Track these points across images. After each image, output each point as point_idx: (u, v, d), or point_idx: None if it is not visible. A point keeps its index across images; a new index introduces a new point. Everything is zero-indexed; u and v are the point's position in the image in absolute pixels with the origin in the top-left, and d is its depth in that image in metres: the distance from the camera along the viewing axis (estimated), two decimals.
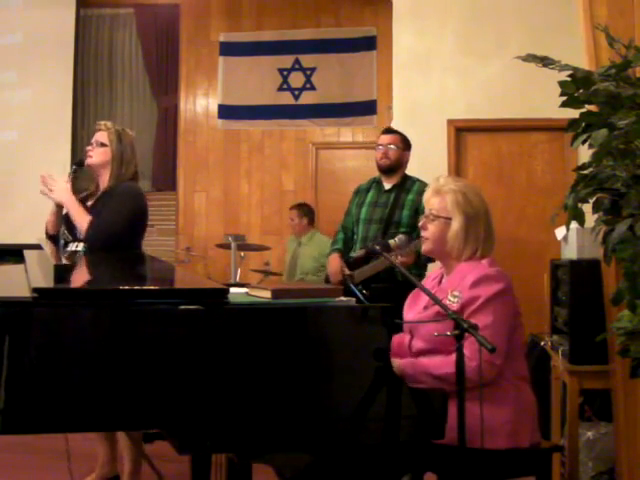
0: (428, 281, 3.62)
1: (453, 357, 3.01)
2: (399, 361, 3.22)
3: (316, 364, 2.62)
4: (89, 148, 4.72)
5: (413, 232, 5.21)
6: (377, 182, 5.69)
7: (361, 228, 5.56)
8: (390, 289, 4.92)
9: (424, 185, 5.45)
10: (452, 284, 3.36)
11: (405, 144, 5.66)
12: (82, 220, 4.50)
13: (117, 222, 4.45)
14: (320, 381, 2.62)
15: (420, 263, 5.11)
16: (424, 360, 3.24)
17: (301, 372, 2.59)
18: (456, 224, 3.38)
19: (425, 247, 3.50)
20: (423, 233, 3.48)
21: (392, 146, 5.58)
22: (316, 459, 2.95)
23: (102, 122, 4.75)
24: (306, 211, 8.86)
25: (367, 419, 2.64)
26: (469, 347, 2.96)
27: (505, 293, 3.27)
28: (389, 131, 5.83)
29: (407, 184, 5.56)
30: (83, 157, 4.81)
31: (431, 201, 3.47)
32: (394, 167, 5.59)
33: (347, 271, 5.41)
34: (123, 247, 4.45)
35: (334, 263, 5.59)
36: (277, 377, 2.57)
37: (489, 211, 3.47)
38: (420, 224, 3.50)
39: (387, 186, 5.60)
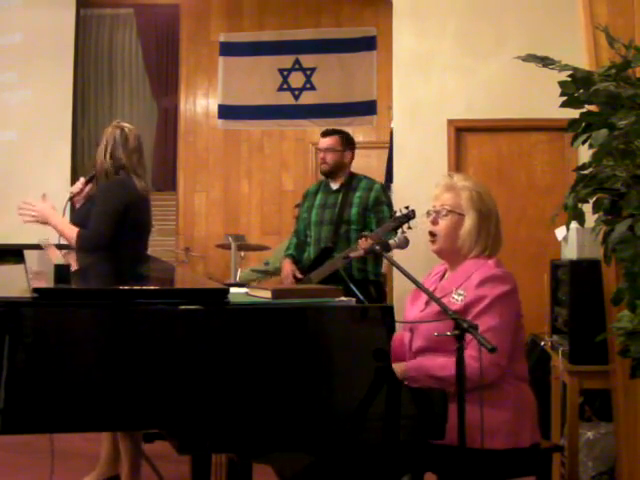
0: (430, 277, 3.60)
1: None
2: (403, 365, 3.22)
3: (316, 364, 2.62)
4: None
5: (364, 229, 5.26)
6: (324, 184, 5.72)
7: (313, 230, 5.60)
8: (347, 288, 4.94)
9: (371, 182, 5.57)
10: (456, 282, 3.35)
11: (345, 144, 5.67)
12: (70, 233, 4.49)
13: (101, 228, 4.41)
14: (320, 381, 2.62)
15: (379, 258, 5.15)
16: (427, 362, 3.23)
17: (301, 372, 2.59)
18: (469, 221, 3.37)
19: (436, 246, 3.46)
20: (432, 228, 3.44)
21: (329, 150, 5.59)
22: (316, 459, 2.95)
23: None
24: None
25: (367, 419, 2.64)
26: (473, 348, 2.95)
27: (511, 295, 3.27)
28: (327, 133, 5.81)
29: (354, 182, 5.60)
30: None
31: (443, 197, 3.44)
32: (334, 170, 5.62)
33: (298, 275, 5.47)
34: (119, 246, 4.42)
35: (286, 268, 5.69)
36: (277, 377, 2.57)
37: (498, 211, 3.47)
38: (430, 219, 3.48)
39: (334, 186, 5.64)
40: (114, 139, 4.58)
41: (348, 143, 5.70)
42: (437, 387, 2.97)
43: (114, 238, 4.40)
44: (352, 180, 5.61)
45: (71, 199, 4.81)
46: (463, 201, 3.39)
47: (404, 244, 4.79)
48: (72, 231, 4.49)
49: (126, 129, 4.64)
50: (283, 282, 5.68)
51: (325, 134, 5.78)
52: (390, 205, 5.50)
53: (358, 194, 5.50)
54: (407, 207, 5.00)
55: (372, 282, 5.49)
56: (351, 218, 5.45)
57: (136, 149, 4.65)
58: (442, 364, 3.16)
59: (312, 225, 5.62)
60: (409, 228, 4.95)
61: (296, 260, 5.68)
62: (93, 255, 4.34)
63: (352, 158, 5.72)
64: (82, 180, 4.88)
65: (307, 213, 5.72)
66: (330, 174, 5.64)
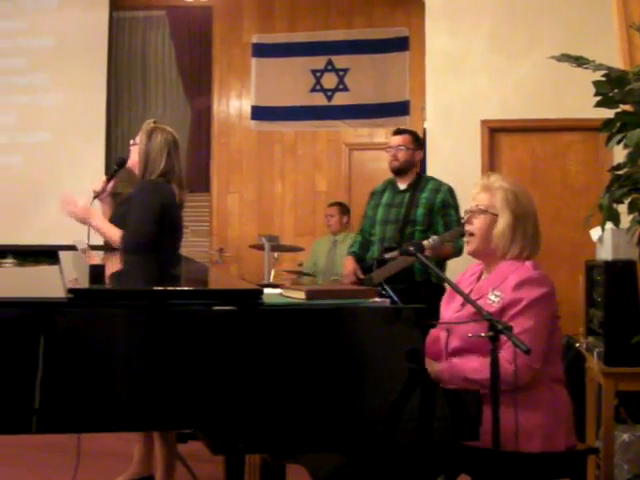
0: (466, 276, 3.57)
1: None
2: (437, 366, 3.21)
3: (350, 365, 2.61)
4: (131, 149, 4.74)
5: (429, 230, 5.25)
6: (392, 183, 5.74)
7: (378, 229, 5.60)
8: (408, 289, 4.90)
9: (438, 184, 5.56)
10: (493, 283, 3.32)
11: (416, 144, 5.69)
12: (113, 234, 4.52)
13: (143, 228, 4.43)
14: (353, 382, 2.61)
15: (451, 257, 5.14)
16: (461, 364, 3.22)
17: (335, 373, 2.59)
18: (503, 222, 3.35)
19: (470, 247, 3.44)
20: (468, 227, 3.44)
21: (402, 147, 5.61)
22: (350, 460, 2.95)
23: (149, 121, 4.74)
24: (345, 209, 8.89)
25: (401, 420, 2.63)
26: (508, 350, 2.94)
27: (548, 297, 3.24)
28: (398, 132, 5.86)
29: (421, 183, 5.60)
30: (126, 156, 4.81)
31: (479, 197, 3.44)
32: (404, 168, 5.63)
33: (360, 274, 5.46)
34: (156, 247, 4.44)
35: (348, 265, 5.68)
36: (311, 378, 2.57)
37: (537, 212, 3.44)
38: (465, 219, 3.48)
39: (402, 186, 5.64)
40: (169, 144, 4.59)
41: (419, 143, 5.73)
42: (471, 388, 2.97)
43: (155, 238, 4.43)
44: (420, 181, 5.62)
45: (96, 197, 4.83)
46: (498, 201, 3.37)
47: (438, 246, 4.78)
48: (115, 233, 4.51)
49: (176, 136, 4.66)
50: (345, 280, 5.67)
51: (396, 133, 5.82)
52: (457, 208, 5.47)
53: (425, 195, 5.50)
54: None
55: (434, 285, 5.42)
56: (417, 219, 5.45)
57: (180, 158, 4.68)
58: (476, 367, 3.15)
59: (377, 224, 5.63)
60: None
61: (359, 258, 5.68)
62: (132, 256, 4.36)
63: (421, 159, 5.74)
64: (104, 178, 4.92)
65: (373, 211, 5.73)
66: (400, 172, 5.64)
